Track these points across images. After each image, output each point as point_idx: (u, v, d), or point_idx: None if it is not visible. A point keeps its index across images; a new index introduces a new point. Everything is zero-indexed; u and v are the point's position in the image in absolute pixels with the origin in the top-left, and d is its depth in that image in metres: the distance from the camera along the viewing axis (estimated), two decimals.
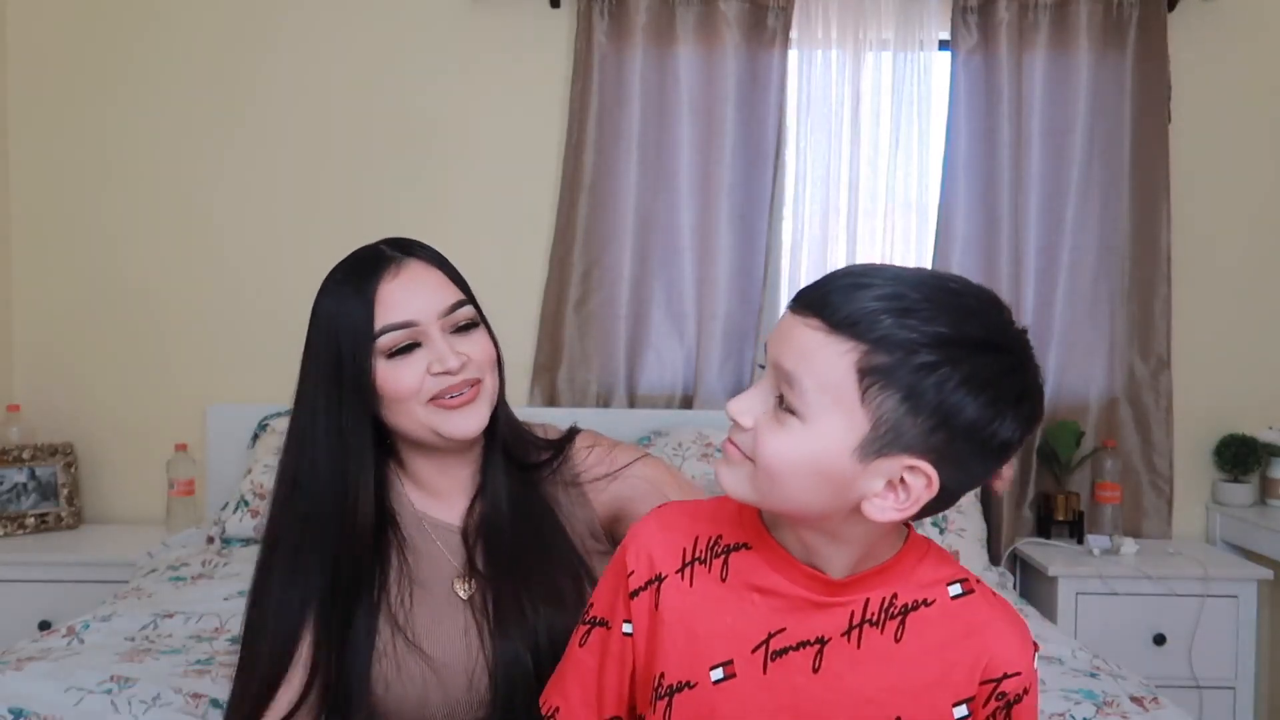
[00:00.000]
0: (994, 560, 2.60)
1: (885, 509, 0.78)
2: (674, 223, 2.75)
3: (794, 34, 2.74)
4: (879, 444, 0.76)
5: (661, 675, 0.89)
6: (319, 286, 1.17)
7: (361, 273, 1.13)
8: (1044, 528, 2.72)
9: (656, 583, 0.91)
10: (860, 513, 0.79)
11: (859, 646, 0.84)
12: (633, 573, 0.92)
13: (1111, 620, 2.46)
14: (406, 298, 1.11)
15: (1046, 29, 2.72)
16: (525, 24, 2.78)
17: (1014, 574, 2.68)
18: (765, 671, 0.85)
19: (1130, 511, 2.75)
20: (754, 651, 0.86)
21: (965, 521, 2.50)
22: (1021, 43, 2.71)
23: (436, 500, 1.19)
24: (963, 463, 0.78)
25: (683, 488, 1.24)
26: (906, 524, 0.87)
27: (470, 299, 1.17)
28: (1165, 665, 2.43)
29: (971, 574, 0.88)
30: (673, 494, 1.21)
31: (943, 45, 2.77)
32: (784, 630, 0.85)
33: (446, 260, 1.19)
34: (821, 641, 0.84)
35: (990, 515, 2.66)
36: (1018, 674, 0.84)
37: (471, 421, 1.13)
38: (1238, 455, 2.74)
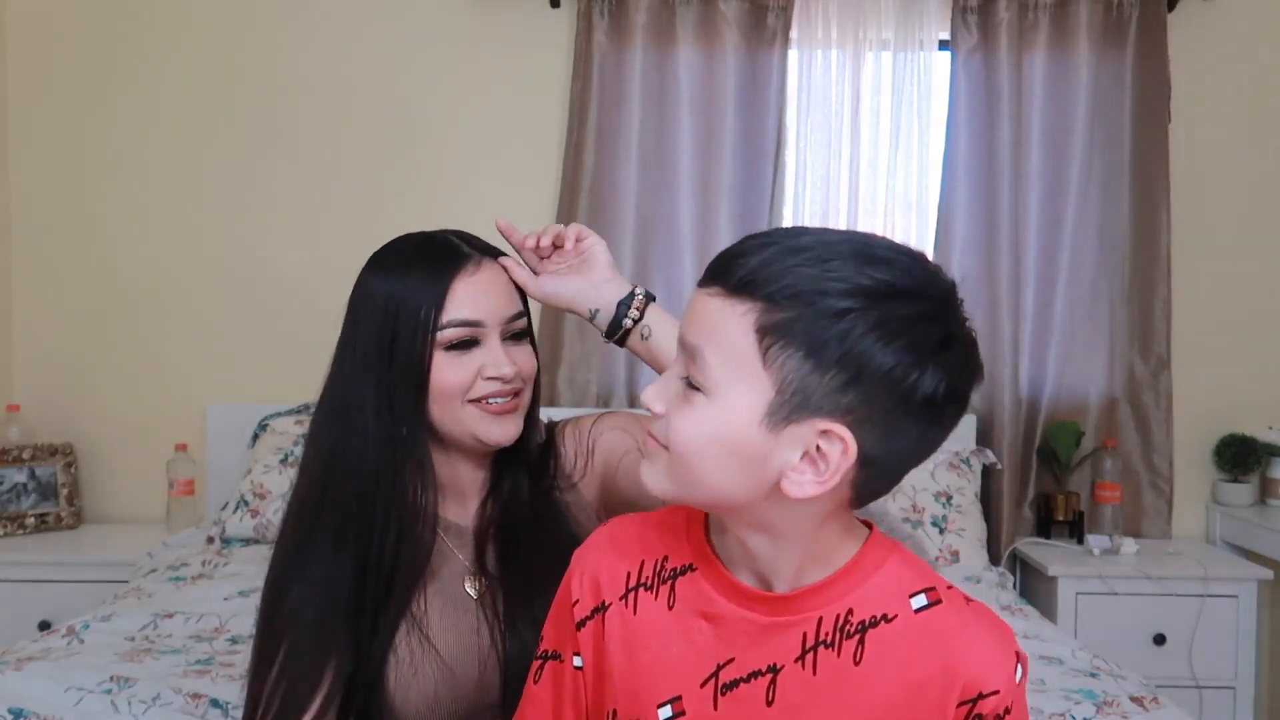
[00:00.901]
0: (994, 560, 2.60)
1: (804, 483, 0.71)
2: (674, 223, 2.75)
3: (794, 34, 2.74)
4: (786, 409, 0.70)
5: (613, 712, 0.83)
6: (369, 261, 1.16)
7: (437, 261, 1.13)
8: (1044, 528, 2.72)
9: (602, 611, 0.85)
10: (785, 498, 0.72)
11: (814, 672, 0.76)
12: (577, 601, 0.86)
13: (1111, 620, 2.46)
14: (479, 297, 1.12)
15: (1046, 29, 2.72)
16: (525, 24, 2.78)
17: (1014, 574, 2.68)
18: (716, 708, 0.78)
19: (1130, 511, 2.75)
20: (703, 686, 0.79)
21: (965, 521, 2.50)
22: (1021, 43, 2.71)
23: (447, 500, 1.19)
24: (886, 424, 0.70)
25: (638, 422, 1.23)
26: (870, 525, 0.80)
27: (527, 309, 1.18)
28: (1165, 665, 2.43)
29: (942, 581, 0.79)
30: (635, 429, 1.21)
31: (943, 45, 2.77)
32: (733, 660, 0.78)
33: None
34: (774, 670, 0.77)
35: (990, 515, 2.66)
36: (995, 693, 0.74)
37: (509, 430, 1.14)
38: (1238, 455, 2.74)
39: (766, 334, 0.70)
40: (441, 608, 1.13)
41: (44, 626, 2.39)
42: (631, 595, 0.84)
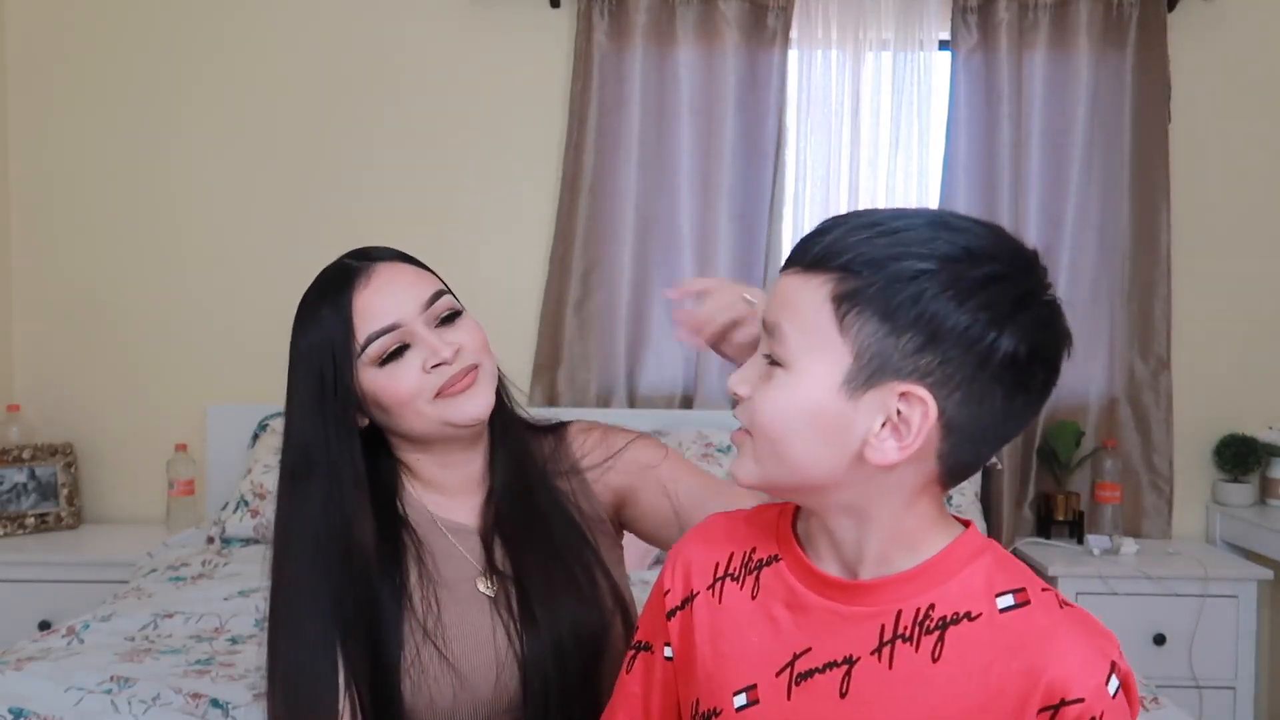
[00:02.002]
0: None
1: (886, 450, 0.71)
2: (674, 223, 2.75)
3: (794, 34, 2.74)
4: (865, 374, 0.71)
5: (696, 702, 0.83)
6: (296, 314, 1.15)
7: (331, 291, 1.11)
8: (1044, 528, 2.72)
9: (691, 601, 0.86)
10: (870, 470, 0.72)
11: (890, 666, 0.74)
12: (669, 591, 0.88)
13: (1111, 620, 2.39)
14: (384, 301, 1.09)
15: (1046, 29, 2.72)
16: (525, 24, 2.78)
17: None
18: (789, 697, 0.77)
19: (1130, 511, 2.75)
20: (778, 675, 0.78)
21: None
22: (1021, 43, 2.70)
23: (448, 500, 1.17)
24: (968, 387, 0.70)
25: (679, 467, 1.22)
26: (967, 523, 0.79)
27: (447, 289, 1.15)
28: (1165, 665, 2.43)
29: (1037, 584, 0.75)
30: (667, 478, 1.19)
31: (943, 45, 2.77)
32: (809, 650, 0.77)
33: (412, 256, 1.16)
34: (849, 661, 0.76)
35: (990, 515, 2.67)
36: (1080, 700, 0.69)
37: (478, 402, 1.11)
38: (1238, 455, 2.74)
39: (842, 302, 0.71)
40: (455, 613, 1.11)
41: (44, 626, 2.39)
42: (718, 585, 0.85)
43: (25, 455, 2.69)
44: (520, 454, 1.19)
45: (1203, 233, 2.79)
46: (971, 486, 2.60)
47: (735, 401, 0.78)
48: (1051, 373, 0.74)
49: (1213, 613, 2.45)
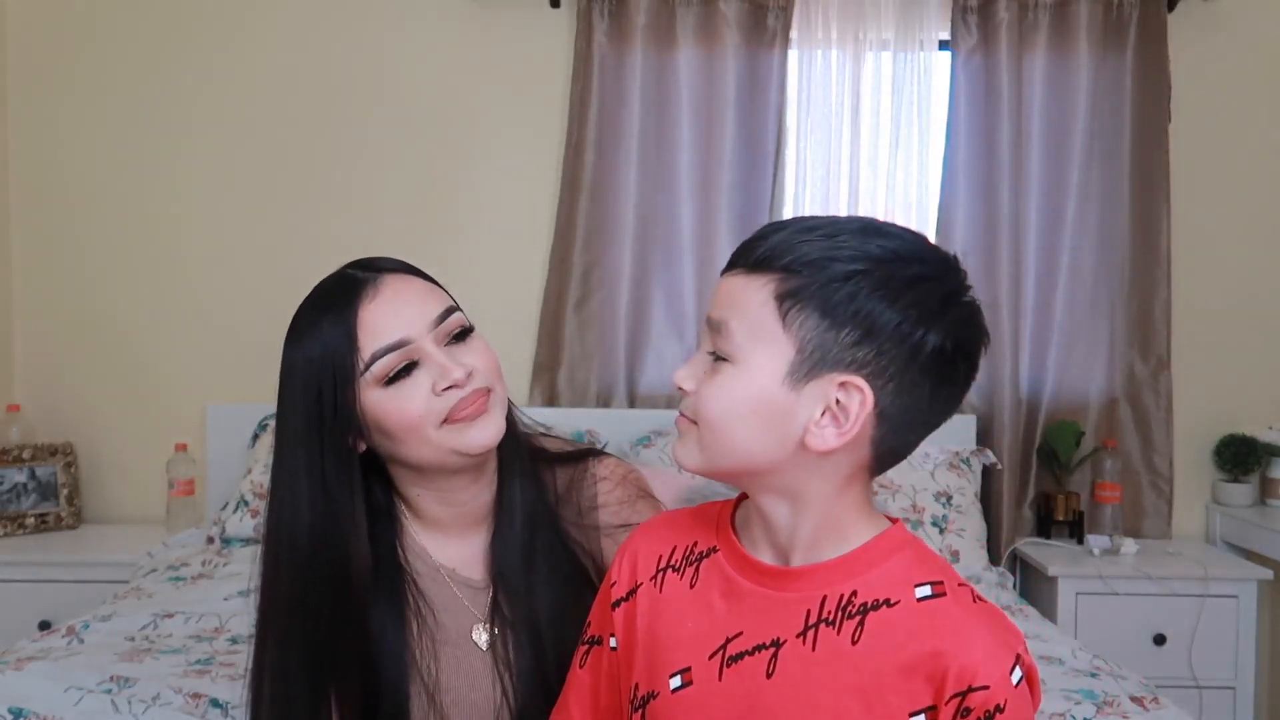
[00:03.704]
0: (994, 560, 2.60)
1: (826, 436, 0.77)
2: (674, 223, 2.75)
3: (794, 34, 2.74)
4: (806, 366, 0.77)
5: (636, 686, 0.88)
6: (290, 324, 1.09)
7: (335, 304, 1.04)
8: (1044, 528, 2.72)
9: (635, 592, 0.91)
10: (809, 455, 0.78)
11: (814, 649, 0.80)
12: (615, 584, 0.92)
13: (1111, 620, 2.46)
14: (392, 315, 1.02)
15: (1046, 29, 2.72)
16: (525, 24, 2.78)
17: (1014, 574, 2.68)
18: (721, 678, 0.83)
19: (1130, 511, 2.75)
20: (711, 658, 0.84)
21: (965, 521, 2.50)
22: (1021, 43, 2.70)
23: (449, 539, 1.12)
24: (900, 378, 0.77)
25: None
26: (894, 520, 0.84)
27: (456, 305, 1.09)
28: (1165, 665, 2.43)
29: (954, 578, 0.81)
30: None
31: (943, 45, 2.77)
32: (740, 634, 0.83)
33: (419, 269, 1.11)
34: (777, 644, 0.81)
35: (990, 515, 2.66)
36: (985, 688, 0.75)
37: (489, 431, 1.05)
38: (1238, 455, 2.74)
39: (785, 300, 0.77)
40: (453, 667, 1.08)
41: (44, 626, 2.39)
42: (660, 576, 0.90)
43: (25, 455, 2.69)
44: (530, 491, 1.13)
45: (1203, 233, 2.79)
46: (971, 487, 2.60)
47: (681, 396, 0.84)
48: (971, 368, 0.80)
49: (1213, 613, 2.45)
